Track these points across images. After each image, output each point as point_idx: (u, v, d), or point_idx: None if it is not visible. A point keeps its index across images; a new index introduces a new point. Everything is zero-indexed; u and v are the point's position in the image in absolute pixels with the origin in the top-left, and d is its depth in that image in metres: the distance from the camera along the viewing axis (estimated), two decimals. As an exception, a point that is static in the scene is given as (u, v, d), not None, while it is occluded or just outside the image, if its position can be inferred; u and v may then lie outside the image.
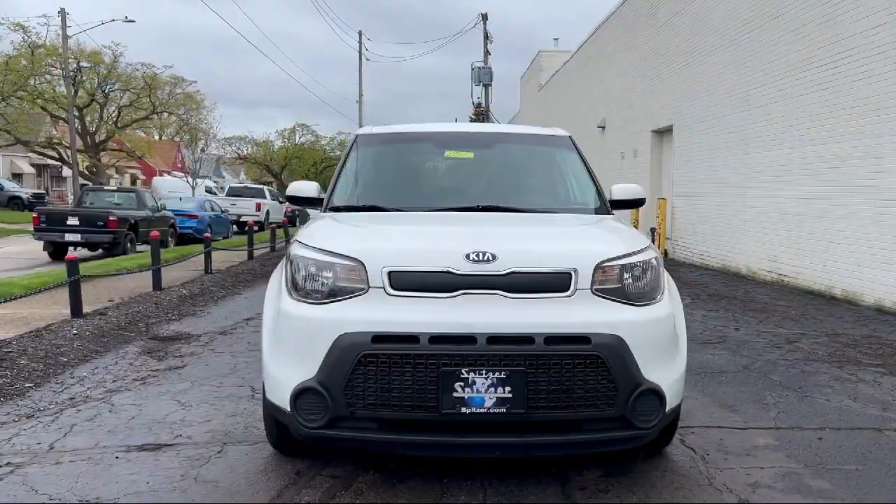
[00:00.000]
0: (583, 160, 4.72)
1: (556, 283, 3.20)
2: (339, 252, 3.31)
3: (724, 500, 3.27)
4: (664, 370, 3.26)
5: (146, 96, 38.31)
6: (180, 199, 25.11)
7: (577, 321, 3.13)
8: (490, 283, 3.16)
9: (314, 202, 4.58)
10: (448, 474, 3.52)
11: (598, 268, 3.25)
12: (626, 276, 3.31)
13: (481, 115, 65.84)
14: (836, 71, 9.16)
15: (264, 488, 3.40)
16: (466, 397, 3.03)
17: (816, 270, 9.75)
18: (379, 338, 3.07)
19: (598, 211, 4.35)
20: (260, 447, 3.92)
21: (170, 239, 18.62)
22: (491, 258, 3.18)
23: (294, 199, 4.64)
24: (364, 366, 3.05)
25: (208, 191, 42.48)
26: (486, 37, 45.79)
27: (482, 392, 3.03)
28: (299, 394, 3.14)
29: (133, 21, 33.44)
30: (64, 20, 33.33)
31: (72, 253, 8.36)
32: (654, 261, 3.43)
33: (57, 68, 33.63)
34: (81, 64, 35.04)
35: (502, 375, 3.03)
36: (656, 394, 3.18)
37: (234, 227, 26.29)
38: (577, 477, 3.51)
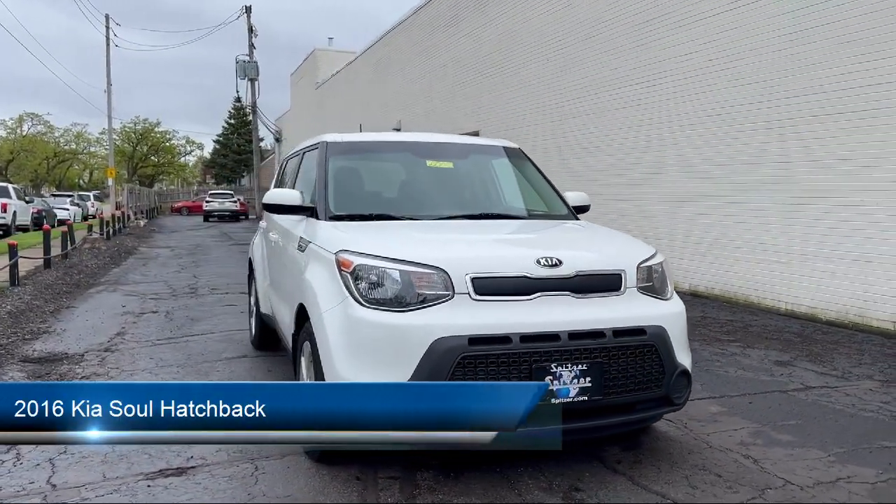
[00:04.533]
0: (538, 170, 5.20)
1: (611, 282, 3.65)
2: (419, 261, 3.45)
3: (731, 458, 3.93)
4: (685, 354, 3.85)
5: None
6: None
7: (632, 315, 3.60)
8: (560, 285, 3.52)
9: (298, 210, 4.56)
10: (497, 462, 3.79)
11: (639, 268, 3.76)
12: (653, 275, 3.85)
13: (241, 110, 63.59)
14: (653, 89, 10.61)
15: (340, 495, 3.44)
16: (555, 389, 3.36)
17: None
18: (475, 340, 3.29)
19: (568, 217, 4.85)
20: (290, 459, 3.87)
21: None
22: (558, 262, 3.54)
23: (275, 208, 4.57)
24: (463, 367, 3.26)
25: None
26: (251, 30, 44.51)
27: (568, 383, 3.38)
28: (395, 399, 3.25)
29: None
30: None
31: None
32: (664, 262, 4.01)
33: None
34: None
35: (584, 367, 3.41)
36: (686, 374, 3.76)
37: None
38: (604, 453, 3.98)
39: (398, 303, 3.41)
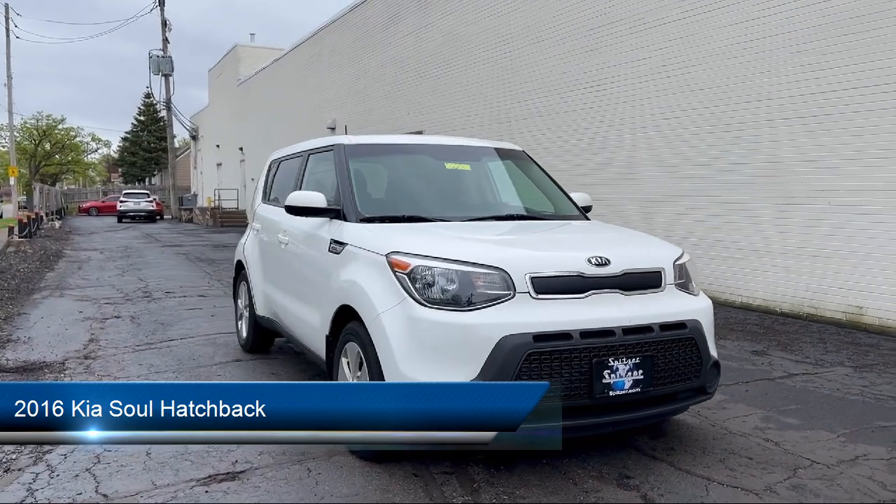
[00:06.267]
0: (544, 171, 5.39)
1: (653, 280, 3.87)
2: (478, 261, 3.56)
3: (753, 441, 4.22)
4: (713, 346, 4.10)
5: None
6: None
7: (673, 311, 3.82)
8: (610, 283, 3.70)
9: (324, 212, 4.57)
10: (541, 454, 3.93)
11: (674, 266, 3.99)
12: (684, 272, 4.09)
13: (152, 106, 61.33)
14: (603, 93, 10.98)
15: (406, 493, 3.51)
16: (612, 382, 3.54)
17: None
18: (539, 337, 3.43)
19: (579, 217, 5.04)
20: (338, 459, 3.89)
21: None
22: (607, 262, 3.72)
23: (299, 210, 4.56)
24: (529, 363, 3.39)
25: None
26: (165, 24, 43.14)
27: (623, 376, 3.57)
28: (464, 396, 3.35)
29: None
30: None
31: None
32: (689, 261, 4.26)
33: None
34: None
35: (637, 361, 3.60)
36: (717, 365, 4.02)
37: None
38: (637, 442, 4.19)
39: (459, 302, 3.51)
